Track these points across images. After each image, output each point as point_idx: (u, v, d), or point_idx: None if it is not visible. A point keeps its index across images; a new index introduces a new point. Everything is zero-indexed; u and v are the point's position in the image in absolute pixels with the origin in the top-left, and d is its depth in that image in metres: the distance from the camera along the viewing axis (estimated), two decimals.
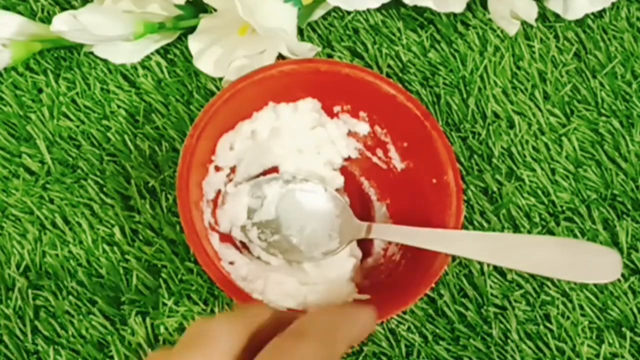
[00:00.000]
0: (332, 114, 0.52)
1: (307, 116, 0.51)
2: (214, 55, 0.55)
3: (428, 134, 0.49)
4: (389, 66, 0.56)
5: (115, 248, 0.51)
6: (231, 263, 0.49)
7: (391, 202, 0.52)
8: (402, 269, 0.49)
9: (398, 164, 0.52)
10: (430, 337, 0.49)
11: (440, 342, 0.49)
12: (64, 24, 0.52)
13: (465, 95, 0.55)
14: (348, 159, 0.53)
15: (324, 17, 0.57)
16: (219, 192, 0.50)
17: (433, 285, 0.47)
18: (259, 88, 0.50)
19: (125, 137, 0.54)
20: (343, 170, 0.53)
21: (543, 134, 0.54)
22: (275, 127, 0.51)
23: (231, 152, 0.50)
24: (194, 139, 0.48)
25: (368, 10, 0.57)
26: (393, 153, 0.52)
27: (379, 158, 0.52)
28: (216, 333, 0.37)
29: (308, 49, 0.54)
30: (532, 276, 0.51)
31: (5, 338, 0.49)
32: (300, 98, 0.51)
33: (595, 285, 0.50)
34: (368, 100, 0.51)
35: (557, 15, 0.57)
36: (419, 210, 0.50)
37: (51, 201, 0.52)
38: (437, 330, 0.50)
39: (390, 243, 0.51)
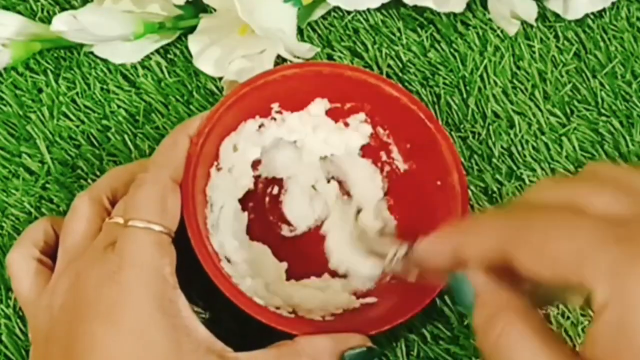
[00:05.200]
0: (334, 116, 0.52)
1: (310, 118, 0.51)
2: (213, 55, 0.55)
3: (432, 136, 0.49)
4: (389, 66, 0.56)
5: None
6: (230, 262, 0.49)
7: (394, 203, 0.52)
8: None
9: (401, 165, 0.51)
10: (430, 337, 0.49)
11: (440, 342, 0.49)
12: (64, 24, 0.52)
13: (465, 95, 0.55)
14: None
15: (324, 17, 0.57)
16: None
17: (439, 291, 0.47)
18: (262, 93, 0.49)
19: (125, 137, 0.54)
20: None
21: (543, 134, 0.54)
22: (279, 130, 0.51)
23: (235, 153, 0.50)
24: (198, 147, 0.46)
25: (368, 10, 0.57)
26: (396, 154, 0.51)
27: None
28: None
29: (307, 50, 0.54)
30: None
31: (5, 338, 0.49)
32: (304, 101, 0.50)
33: None
34: (370, 102, 0.50)
35: (557, 15, 0.57)
36: (423, 212, 0.49)
37: (51, 201, 0.52)
38: (437, 330, 0.50)
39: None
